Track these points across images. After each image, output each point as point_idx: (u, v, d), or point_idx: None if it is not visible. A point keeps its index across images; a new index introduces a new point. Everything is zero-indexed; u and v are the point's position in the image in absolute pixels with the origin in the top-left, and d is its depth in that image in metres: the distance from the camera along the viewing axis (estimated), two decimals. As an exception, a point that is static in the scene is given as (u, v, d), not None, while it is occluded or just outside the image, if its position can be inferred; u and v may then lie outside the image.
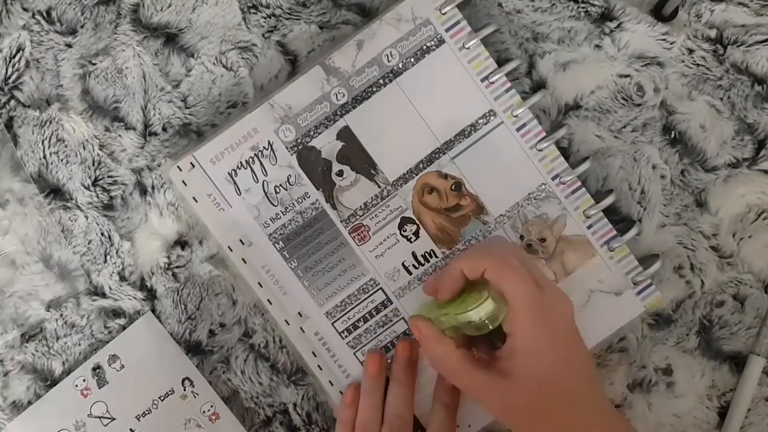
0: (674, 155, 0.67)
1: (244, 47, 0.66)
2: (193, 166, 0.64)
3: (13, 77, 0.66)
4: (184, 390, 0.66)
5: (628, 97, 0.67)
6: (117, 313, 0.66)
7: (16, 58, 0.66)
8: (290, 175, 0.64)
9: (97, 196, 0.66)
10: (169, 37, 0.66)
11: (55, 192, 0.66)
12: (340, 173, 0.64)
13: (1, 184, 0.66)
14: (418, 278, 0.65)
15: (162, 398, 0.66)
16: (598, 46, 0.67)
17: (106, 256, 0.66)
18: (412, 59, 0.64)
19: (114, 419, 0.66)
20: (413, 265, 0.65)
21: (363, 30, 0.64)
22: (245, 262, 0.64)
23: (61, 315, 0.66)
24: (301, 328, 0.65)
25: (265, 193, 0.64)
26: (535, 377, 0.55)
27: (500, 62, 0.65)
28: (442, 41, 0.64)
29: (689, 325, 0.67)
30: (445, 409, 0.63)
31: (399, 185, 0.64)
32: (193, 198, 0.64)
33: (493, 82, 0.64)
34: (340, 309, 0.65)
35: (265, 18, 0.66)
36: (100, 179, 0.66)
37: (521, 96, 0.65)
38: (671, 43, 0.66)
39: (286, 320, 0.65)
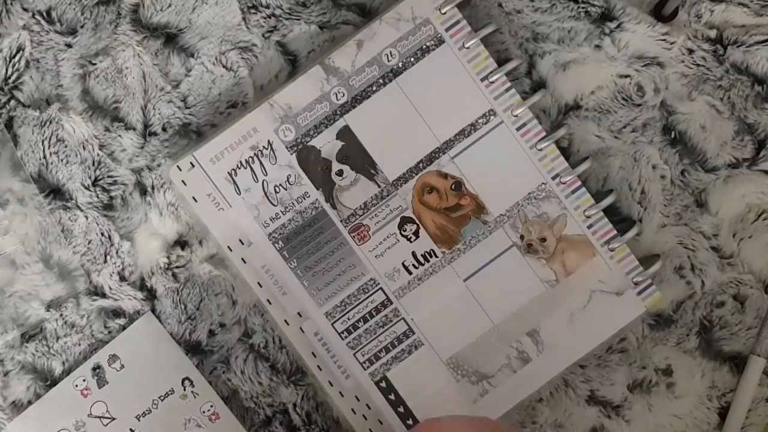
0: (674, 155, 0.67)
1: (244, 47, 0.67)
2: (193, 166, 0.64)
3: (13, 77, 0.66)
4: (184, 390, 0.66)
5: (628, 97, 0.67)
6: (117, 313, 0.66)
7: (16, 58, 0.66)
8: (290, 175, 0.64)
9: (97, 196, 0.66)
10: (169, 37, 0.67)
11: (55, 192, 0.66)
12: (339, 173, 0.64)
13: (1, 184, 0.66)
14: (418, 278, 0.65)
15: (162, 398, 0.66)
16: (598, 46, 0.67)
17: (106, 256, 0.66)
18: (412, 59, 0.64)
19: (114, 419, 0.66)
20: (413, 265, 0.65)
21: (363, 30, 0.64)
22: (245, 262, 0.64)
23: (61, 315, 0.66)
24: (300, 328, 0.65)
25: (265, 193, 0.64)
26: None
27: (500, 62, 0.65)
28: (441, 41, 0.64)
29: (689, 326, 0.67)
30: None
31: (399, 185, 0.64)
32: (193, 198, 0.64)
33: (492, 82, 0.64)
34: (340, 309, 0.65)
35: (265, 18, 0.66)
36: (100, 179, 0.66)
37: (521, 96, 0.65)
38: (671, 44, 0.67)
39: (285, 320, 0.65)
